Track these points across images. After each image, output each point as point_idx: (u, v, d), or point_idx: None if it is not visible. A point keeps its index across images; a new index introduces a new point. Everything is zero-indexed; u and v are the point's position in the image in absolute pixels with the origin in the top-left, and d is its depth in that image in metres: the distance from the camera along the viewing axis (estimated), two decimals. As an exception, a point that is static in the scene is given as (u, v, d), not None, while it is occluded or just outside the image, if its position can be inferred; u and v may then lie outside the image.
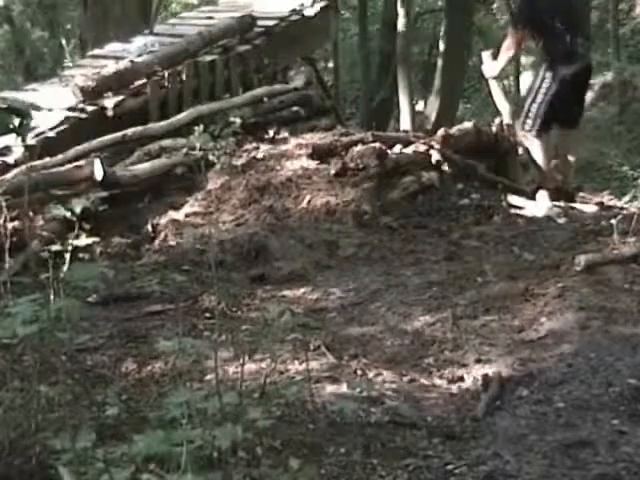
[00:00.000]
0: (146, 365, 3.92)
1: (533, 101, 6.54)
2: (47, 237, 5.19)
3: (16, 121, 5.04)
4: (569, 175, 6.95)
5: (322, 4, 9.92)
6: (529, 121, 6.58)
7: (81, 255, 4.29)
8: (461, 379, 3.77)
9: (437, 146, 6.52)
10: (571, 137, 6.91)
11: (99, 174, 5.97)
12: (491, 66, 6.92)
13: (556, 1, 6.61)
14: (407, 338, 4.18)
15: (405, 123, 13.16)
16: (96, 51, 9.03)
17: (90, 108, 6.97)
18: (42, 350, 3.00)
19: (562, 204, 6.24)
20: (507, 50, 6.76)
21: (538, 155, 6.65)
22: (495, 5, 19.58)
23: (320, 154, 6.37)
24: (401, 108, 13.69)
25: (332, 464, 2.94)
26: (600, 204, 6.60)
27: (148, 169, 6.36)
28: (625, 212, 6.03)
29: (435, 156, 6.45)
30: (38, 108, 6.96)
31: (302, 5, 9.70)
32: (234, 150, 6.52)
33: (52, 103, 7.12)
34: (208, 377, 3.41)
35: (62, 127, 6.73)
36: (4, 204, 4.23)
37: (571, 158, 6.94)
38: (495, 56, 6.88)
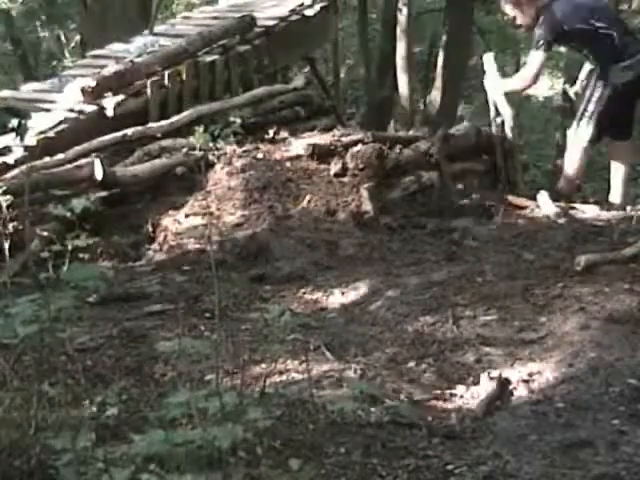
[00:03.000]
0: (146, 365, 3.91)
1: (585, 109, 6.36)
2: (47, 237, 5.20)
3: (15, 121, 5.04)
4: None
5: (322, 4, 9.93)
6: (581, 130, 6.40)
7: (81, 255, 4.29)
8: (461, 379, 3.77)
9: (437, 146, 6.52)
10: (623, 147, 6.64)
11: (99, 174, 5.97)
12: (497, 84, 6.66)
13: (587, 2, 6.36)
14: (407, 338, 4.17)
15: (405, 123, 13.14)
16: (96, 51, 9.02)
17: (90, 108, 6.96)
18: (42, 350, 2.99)
19: (562, 204, 6.23)
20: (523, 81, 6.57)
21: (574, 162, 6.54)
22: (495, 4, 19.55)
23: (320, 154, 6.37)
24: (401, 108, 13.68)
25: (332, 464, 2.94)
26: (600, 204, 6.59)
27: (148, 169, 6.36)
28: (625, 212, 6.03)
29: (435, 156, 6.45)
30: (38, 108, 6.96)
31: (302, 5, 9.71)
32: (234, 150, 6.52)
33: (52, 103, 7.12)
34: (208, 377, 3.41)
35: (62, 127, 6.73)
36: (4, 204, 4.23)
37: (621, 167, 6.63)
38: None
